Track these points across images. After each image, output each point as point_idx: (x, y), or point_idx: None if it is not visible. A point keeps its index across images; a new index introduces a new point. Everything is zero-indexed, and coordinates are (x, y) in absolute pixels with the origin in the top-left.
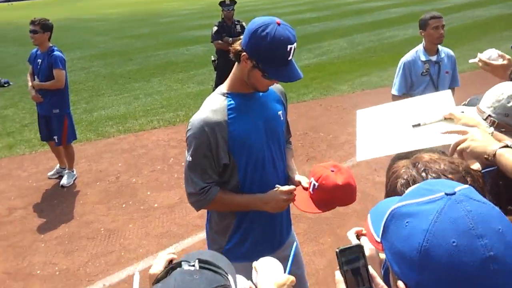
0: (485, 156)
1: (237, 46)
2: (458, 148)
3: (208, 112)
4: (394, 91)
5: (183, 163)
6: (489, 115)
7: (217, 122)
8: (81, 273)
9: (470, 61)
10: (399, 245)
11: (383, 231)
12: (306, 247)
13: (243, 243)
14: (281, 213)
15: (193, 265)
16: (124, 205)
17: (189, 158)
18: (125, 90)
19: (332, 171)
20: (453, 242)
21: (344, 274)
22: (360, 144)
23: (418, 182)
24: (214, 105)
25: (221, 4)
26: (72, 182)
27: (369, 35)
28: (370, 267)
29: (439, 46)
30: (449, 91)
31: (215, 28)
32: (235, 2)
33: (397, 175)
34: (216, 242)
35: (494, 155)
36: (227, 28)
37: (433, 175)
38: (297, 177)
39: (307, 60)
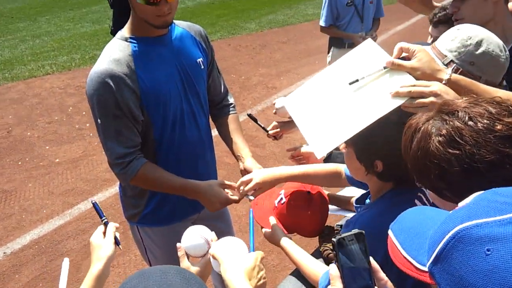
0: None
1: None
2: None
3: (110, 63)
4: (322, 22)
5: (84, 113)
6: (452, 61)
7: (123, 73)
8: None
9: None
10: (476, 281)
11: (437, 257)
12: None
13: (162, 206)
14: (207, 167)
15: None
16: (20, 162)
17: (97, 122)
18: (8, 31)
19: (308, 193)
20: None
21: (341, 268)
22: (312, 140)
23: (466, 135)
24: (116, 53)
25: None
26: None
27: None
28: (371, 259)
29: None
30: (369, 40)
31: None
32: None
33: (425, 133)
34: (133, 208)
35: None
36: None
37: (486, 121)
38: (249, 162)
39: None
